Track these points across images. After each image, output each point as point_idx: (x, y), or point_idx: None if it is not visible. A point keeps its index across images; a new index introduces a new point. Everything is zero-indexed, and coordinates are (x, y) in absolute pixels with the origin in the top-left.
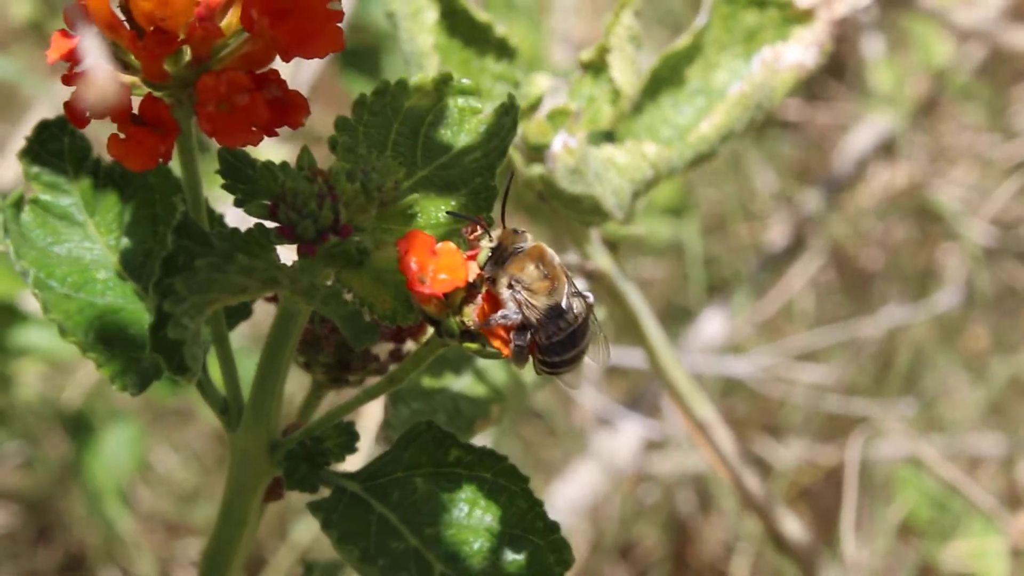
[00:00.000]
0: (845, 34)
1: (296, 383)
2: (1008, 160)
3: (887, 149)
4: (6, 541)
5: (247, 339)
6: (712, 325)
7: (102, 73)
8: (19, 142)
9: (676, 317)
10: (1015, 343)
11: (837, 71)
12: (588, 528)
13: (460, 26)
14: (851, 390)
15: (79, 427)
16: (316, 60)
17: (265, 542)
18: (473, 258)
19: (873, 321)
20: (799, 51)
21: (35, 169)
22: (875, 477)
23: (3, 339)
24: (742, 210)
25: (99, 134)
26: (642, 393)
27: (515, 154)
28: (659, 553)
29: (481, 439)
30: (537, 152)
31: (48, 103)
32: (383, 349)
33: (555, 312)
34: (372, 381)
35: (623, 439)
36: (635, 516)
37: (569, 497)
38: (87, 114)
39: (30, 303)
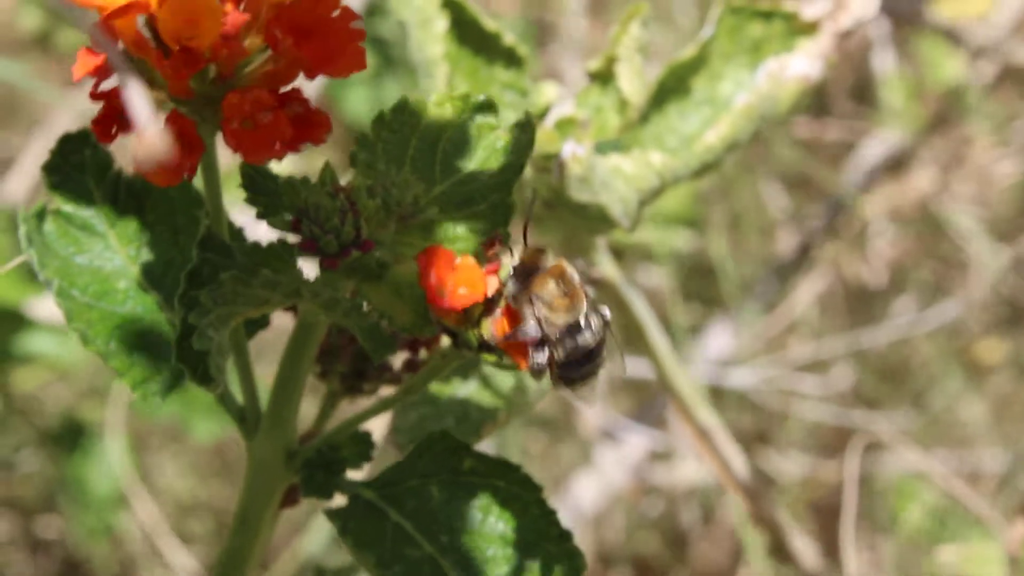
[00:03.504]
0: (857, 50)
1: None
2: (1016, 174)
3: (897, 165)
4: (4, 550)
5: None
6: (718, 338)
7: (151, 130)
8: (26, 155)
9: (681, 328)
10: (1020, 357)
11: (849, 88)
12: (592, 539)
13: (469, 35)
14: (857, 403)
15: (76, 437)
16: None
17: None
18: (492, 272)
19: (878, 332)
20: (804, 63)
21: (57, 180)
22: (879, 489)
23: (9, 346)
24: (752, 224)
25: (120, 145)
26: (647, 405)
27: None
28: (663, 564)
29: (485, 451)
30: (545, 161)
31: (58, 113)
32: (397, 359)
33: (573, 329)
34: (386, 390)
35: (627, 451)
36: (639, 527)
37: (573, 508)
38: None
39: (36, 310)
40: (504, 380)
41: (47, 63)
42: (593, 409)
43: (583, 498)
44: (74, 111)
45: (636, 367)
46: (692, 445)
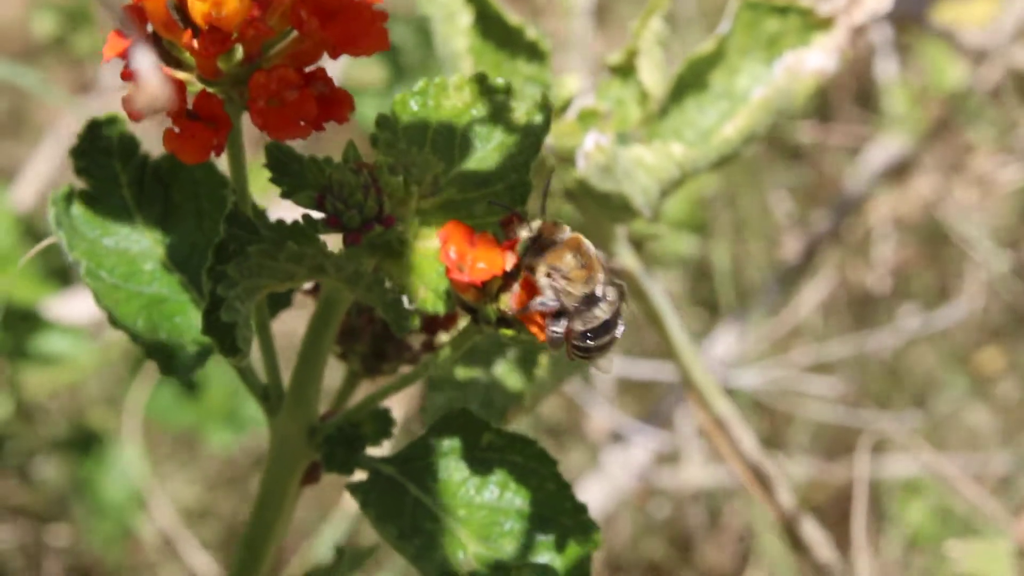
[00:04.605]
0: (861, 56)
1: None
2: (1019, 180)
3: (900, 170)
4: (15, 555)
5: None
6: (724, 341)
7: (153, 79)
8: (35, 162)
9: (688, 331)
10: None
11: (853, 94)
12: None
13: (493, 29)
14: (860, 406)
15: (88, 443)
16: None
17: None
18: (510, 248)
19: (883, 335)
20: (821, 57)
21: (84, 164)
22: (884, 491)
23: (25, 345)
24: (757, 229)
25: (145, 130)
26: (655, 406)
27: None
28: (669, 567)
29: None
30: (567, 152)
31: (68, 120)
32: (416, 340)
33: (590, 300)
34: (405, 371)
35: (634, 453)
36: (646, 531)
37: None
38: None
39: (52, 310)
40: (529, 367)
41: (60, 68)
42: (601, 410)
43: (590, 501)
44: (85, 117)
45: (643, 369)
46: (706, 436)
